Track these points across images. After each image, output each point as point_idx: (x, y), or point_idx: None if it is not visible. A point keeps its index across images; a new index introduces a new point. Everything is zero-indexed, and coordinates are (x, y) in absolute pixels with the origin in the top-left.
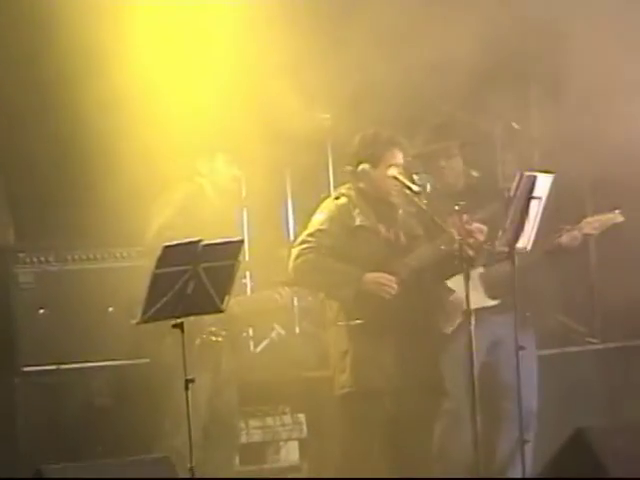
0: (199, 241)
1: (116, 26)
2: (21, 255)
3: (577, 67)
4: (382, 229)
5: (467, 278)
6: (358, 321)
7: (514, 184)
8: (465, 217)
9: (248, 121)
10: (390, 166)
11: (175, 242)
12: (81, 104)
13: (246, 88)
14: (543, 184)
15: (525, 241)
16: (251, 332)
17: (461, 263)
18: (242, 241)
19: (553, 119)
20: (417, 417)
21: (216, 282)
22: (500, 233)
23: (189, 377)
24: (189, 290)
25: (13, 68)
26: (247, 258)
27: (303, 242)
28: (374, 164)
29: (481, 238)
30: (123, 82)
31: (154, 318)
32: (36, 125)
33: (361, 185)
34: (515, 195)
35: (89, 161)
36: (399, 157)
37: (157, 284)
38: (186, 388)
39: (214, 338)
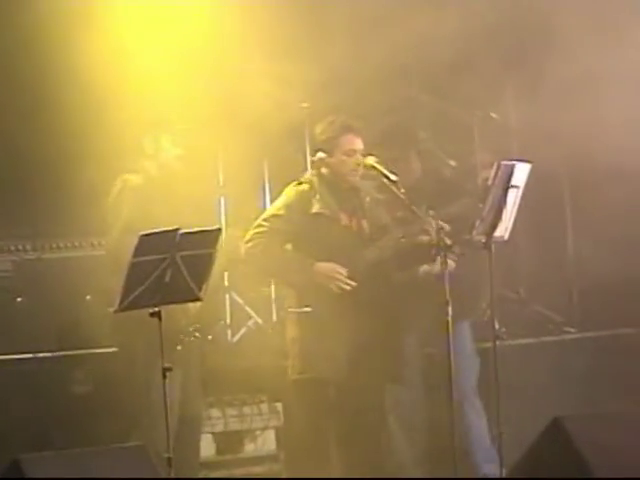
0: (177, 230)
1: (80, 23)
2: None
3: (556, 58)
4: (343, 217)
5: (445, 266)
6: (307, 309)
7: (492, 173)
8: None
9: (225, 109)
10: (346, 152)
11: (153, 231)
12: (56, 94)
13: (223, 77)
14: (521, 173)
15: (503, 230)
16: (228, 321)
17: (438, 252)
18: (220, 229)
19: (531, 109)
20: (366, 408)
21: (194, 271)
22: (478, 222)
23: (166, 365)
24: (167, 278)
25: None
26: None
27: (257, 226)
28: (330, 151)
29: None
30: (94, 69)
31: (132, 306)
32: (14, 115)
33: (322, 172)
34: (493, 184)
35: (66, 149)
36: (356, 142)
37: (135, 272)
38: (164, 377)
39: (193, 338)
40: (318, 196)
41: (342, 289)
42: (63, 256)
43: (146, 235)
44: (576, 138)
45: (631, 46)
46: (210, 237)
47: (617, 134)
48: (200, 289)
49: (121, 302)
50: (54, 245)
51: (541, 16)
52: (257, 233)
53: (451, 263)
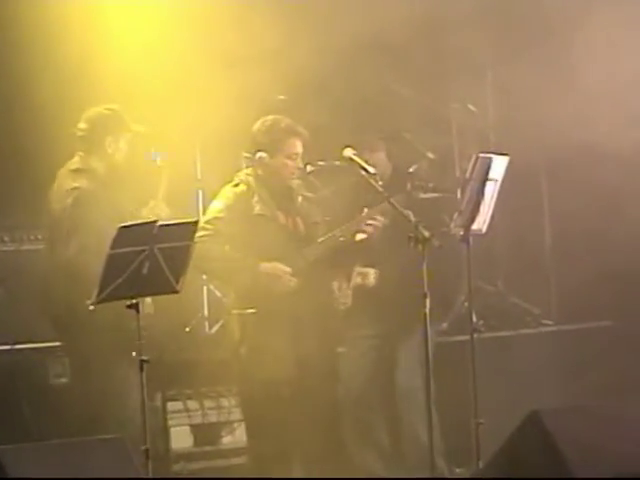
0: (155, 222)
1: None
2: None
3: (534, 51)
4: (281, 217)
5: (423, 260)
6: (251, 310)
7: (470, 166)
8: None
9: (204, 101)
10: (289, 155)
11: (131, 222)
12: (33, 85)
13: (200, 68)
14: (499, 166)
15: (481, 223)
16: (206, 312)
17: (416, 244)
18: (197, 222)
19: (509, 102)
20: (314, 407)
21: (172, 263)
22: (456, 215)
23: (143, 357)
24: (145, 270)
25: None
26: None
27: (200, 229)
28: (272, 153)
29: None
30: (65, 55)
31: (109, 298)
32: None
33: (259, 172)
34: (471, 177)
35: (45, 141)
36: (298, 147)
37: (112, 264)
38: (141, 369)
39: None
40: (257, 197)
41: (286, 287)
42: (42, 248)
43: (125, 227)
44: (554, 131)
45: (608, 39)
46: (188, 229)
47: (595, 127)
48: (177, 281)
49: (99, 294)
50: (32, 237)
51: (522, 5)
52: (201, 236)
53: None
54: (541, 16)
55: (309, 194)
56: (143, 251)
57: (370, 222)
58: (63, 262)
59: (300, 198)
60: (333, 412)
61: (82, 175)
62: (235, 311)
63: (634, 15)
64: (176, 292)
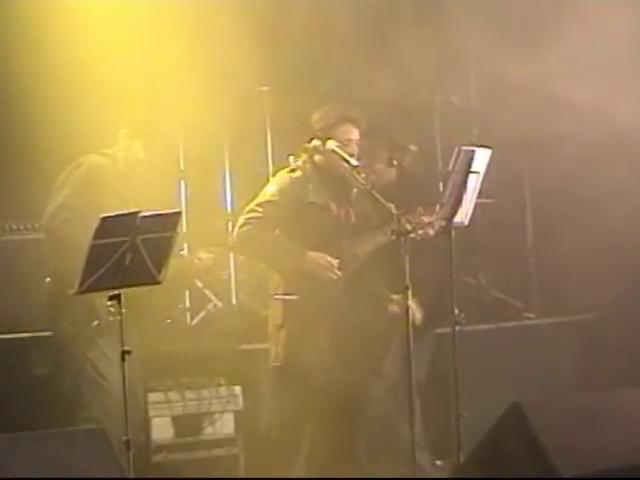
0: (137, 212)
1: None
2: None
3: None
4: (333, 207)
5: (406, 252)
6: (294, 297)
7: (452, 158)
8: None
9: (188, 92)
10: (342, 141)
11: (113, 213)
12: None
13: (183, 57)
14: (481, 159)
15: (463, 215)
16: (187, 304)
17: (398, 237)
18: (180, 213)
19: (492, 94)
20: (348, 398)
21: (154, 254)
22: (438, 207)
23: (125, 348)
24: (127, 261)
25: None
26: (185, 230)
27: (251, 211)
28: (325, 140)
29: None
30: (57, 58)
31: (91, 289)
32: None
33: (316, 160)
34: (453, 170)
35: (24, 132)
36: (353, 133)
37: (94, 255)
38: (122, 359)
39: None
40: (311, 185)
41: (331, 279)
42: (23, 238)
43: (106, 217)
44: (536, 124)
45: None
46: (170, 220)
47: (577, 119)
48: (159, 272)
49: (81, 284)
50: (14, 227)
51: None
52: (250, 218)
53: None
54: (526, 8)
55: (367, 186)
56: (125, 242)
57: (428, 223)
58: (43, 220)
59: (355, 190)
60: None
61: (100, 154)
62: (277, 296)
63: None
64: (158, 283)
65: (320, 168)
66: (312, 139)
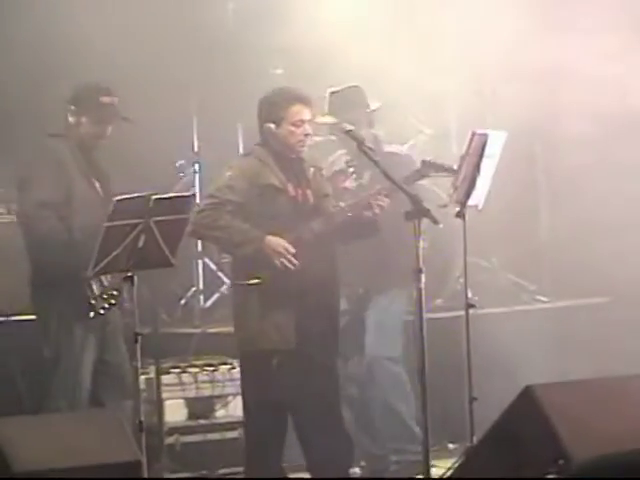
0: (151, 195)
1: None
2: None
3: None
4: (290, 188)
5: (419, 234)
6: (255, 280)
7: (467, 142)
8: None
9: (198, 75)
10: (294, 122)
11: (127, 196)
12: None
13: (198, 43)
14: (496, 142)
15: (477, 199)
16: (201, 286)
17: (416, 216)
18: (194, 195)
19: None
20: (315, 381)
21: (167, 236)
22: (452, 191)
23: (138, 330)
24: (140, 244)
25: None
26: None
27: (209, 196)
28: (277, 122)
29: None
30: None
31: (105, 271)
32: None
33: (269, 143)
34: (467, 153)
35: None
36: (304, 113)
37: (108, 237)
38: (135, 341)
39: (107, 305)
40: (267, 167)
41: (286, 266)
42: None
43: (120, 200)
44: (549, 106)
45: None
46: (184, 203)
47: (589, 102)
48: (173, 254)
49: (94, 266)
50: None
51: None
52: (208, 204)
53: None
54: None
55: (321, 166)
56: (139, 224)
57: (379, 201)
58: (22, 217)
59: (312, 170)
60: (334, 387)
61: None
62: (238, 281)
63: None
64: (171, 265)
65: (274, 150)
66: (264, 123)
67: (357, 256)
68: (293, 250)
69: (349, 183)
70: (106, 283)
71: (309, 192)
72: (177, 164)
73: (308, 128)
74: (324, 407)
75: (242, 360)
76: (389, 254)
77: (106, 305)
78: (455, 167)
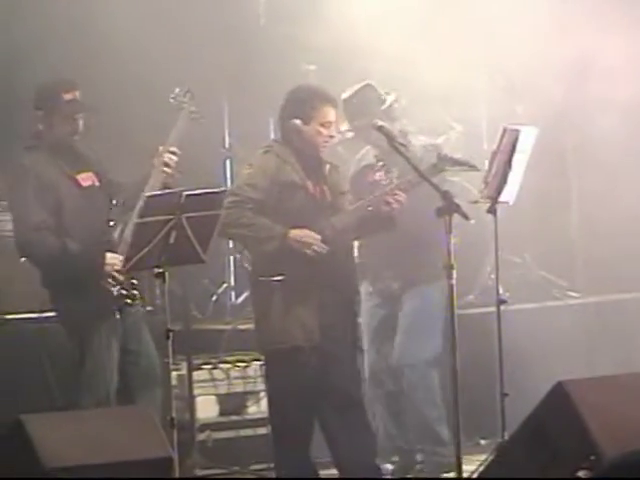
0: (182, 191)
1: None
2: None
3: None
4: (310, 185)
5: (450, 230)
6: (279, 277)
7: (498, 138)
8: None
9: (231, 71)
10: (323, 123)
11: (158, 192)
12: None
13: (230, 38)
14: (527, 138)
15: (508, 195)
16: (232, 282)
17: (446, 212)
18: (225, 191)
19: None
20: (338, 377)
21: (199, 232)
22: (483, 186)
23: (169, 327)
24: (171, 240)
25: None
26: None
27: (231, 194)
28: (306, 120)
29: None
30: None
31: (137, 267)
32: None
33: (292, 139)
34: (498, 149)
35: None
36: (333, 114)
37: (140, 233)
38: (167, 338)
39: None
40: (287, 164)
41: (318, 253)
42: None
43: (151, 196)
44: (580, 101)
45: None
46: (215, 199)
47: (620, 97)
48: (205, 251)
49: (126, 262)
50: None
51: None
52: (231, 202)
53: None
54: None
55: (336, 163)
56: (170, 220)
57: (397, 197)
58: (19, 243)
59: (328, 167)
60: (356, 382)
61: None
62: (262, 278)
63: None
64: (202, 262)
65: (295, 147)
66: (289, 117)
67: (392, 252)
68: (319, 236)
69: (379, 176)
70: (121, 279)
71: (326, 189)
72: None
73: (334, 130)
74: (347, 403)
75: (266, 358)
76: (424, 250)
77: (129, 300)
78: (473, 162)
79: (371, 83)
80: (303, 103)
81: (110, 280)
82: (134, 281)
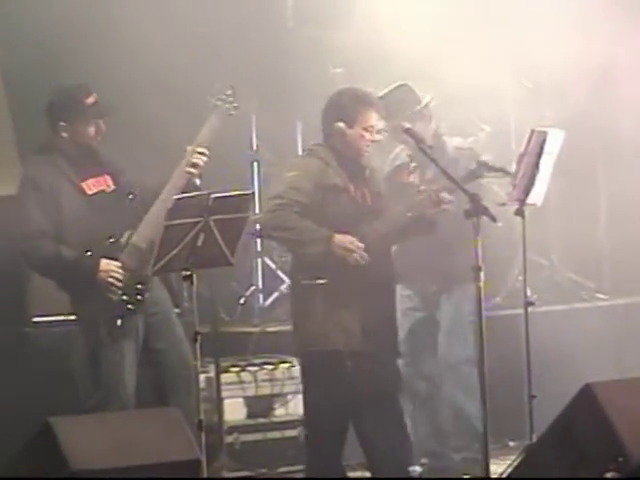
0: (210, 193)
1: None
2: None
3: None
4: (352, 188)
5: (478, 231)
6: (322, 280)
7: (525, 140)
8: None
9: (257, 73)
10: (367, 127)
11: (186, 195)
12: None
13: (258, 38)
14: (555, 140)
15: (536, 197)
16: (260, 285)
17: (474, 214)
18: (253, 194)
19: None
20: (377, 382)
21: (226, 235)
22: (511, 189)
23: (197, 329)
24: (199, 242)
25: None
26: (258, 211)
27: (276, 197)
28: (350, 123)
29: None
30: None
31: (165, 269)
32: None
33: (335, 142)
34: (526, 151)
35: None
36: (375, 119)
37: (168, 236)
38: (195, 340)
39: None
40: (330, 167)
41: (358, 262)
42: None
43: (180, 199)
44: (608, 103)
45: None
46: (243, 201)
47: None
48: (232, 253)
49: (154, 264)
50: None
51: None
52: (277, 204)
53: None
54: None
55: (374, 165)
56: (198, 223)
57: (446, 202)
58: (23, 251)
59: (368, 171)
60: (395, 386)
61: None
62: (305, 281)
63: None
64: (230, 264)
65: (338, 150)
66: (333, 121)
67: (425, 254)
68: (362, 245)
69: (413, 178)
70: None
71: (367, 192)
72: None
73: (377, 135)
74: (386, 407)
75: (304, 360)
76: (458, 251)
77: (130, 307)
78: (509, 169)
79: (407, 84)
80: (347, 107)
81: (108, 287)
82: (139, 286)
